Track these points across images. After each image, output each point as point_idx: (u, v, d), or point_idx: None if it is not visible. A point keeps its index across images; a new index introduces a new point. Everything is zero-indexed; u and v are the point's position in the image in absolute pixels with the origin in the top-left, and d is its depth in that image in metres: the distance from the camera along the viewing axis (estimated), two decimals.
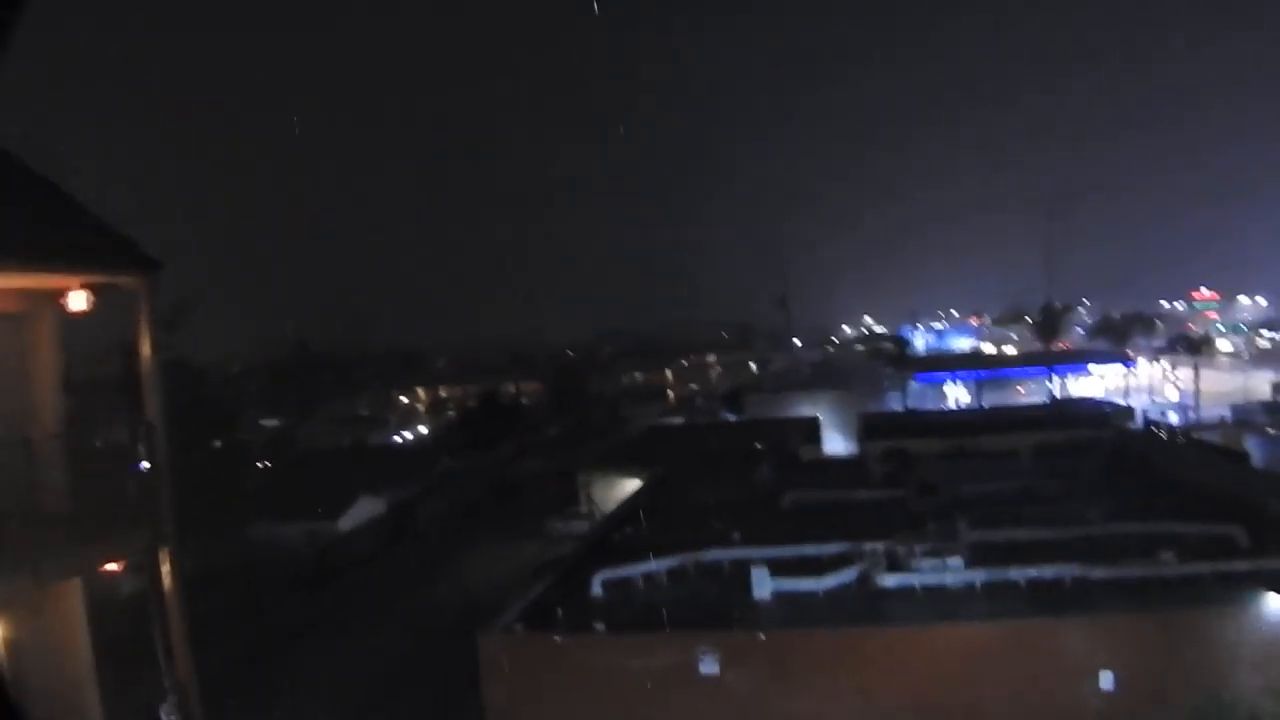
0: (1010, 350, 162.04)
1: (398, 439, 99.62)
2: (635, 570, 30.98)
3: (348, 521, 60.74)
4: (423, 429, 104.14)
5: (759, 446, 59.58)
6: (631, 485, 49.44)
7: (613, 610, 28.11)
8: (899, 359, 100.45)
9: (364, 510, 62.73)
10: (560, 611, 26.98)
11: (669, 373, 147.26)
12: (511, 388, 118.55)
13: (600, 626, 26.11)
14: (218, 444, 62.22)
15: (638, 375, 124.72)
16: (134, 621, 21.92)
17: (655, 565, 31.36)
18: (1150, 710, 23.65)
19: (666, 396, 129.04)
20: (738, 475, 50.35)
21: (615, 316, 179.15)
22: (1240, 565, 28.19)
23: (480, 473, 72.08)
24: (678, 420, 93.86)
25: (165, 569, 20.15)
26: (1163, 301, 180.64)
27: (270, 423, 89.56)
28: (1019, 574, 28.82)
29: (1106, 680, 24.24)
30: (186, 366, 60.60)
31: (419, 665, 40.44)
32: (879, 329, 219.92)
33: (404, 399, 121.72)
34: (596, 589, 29.85)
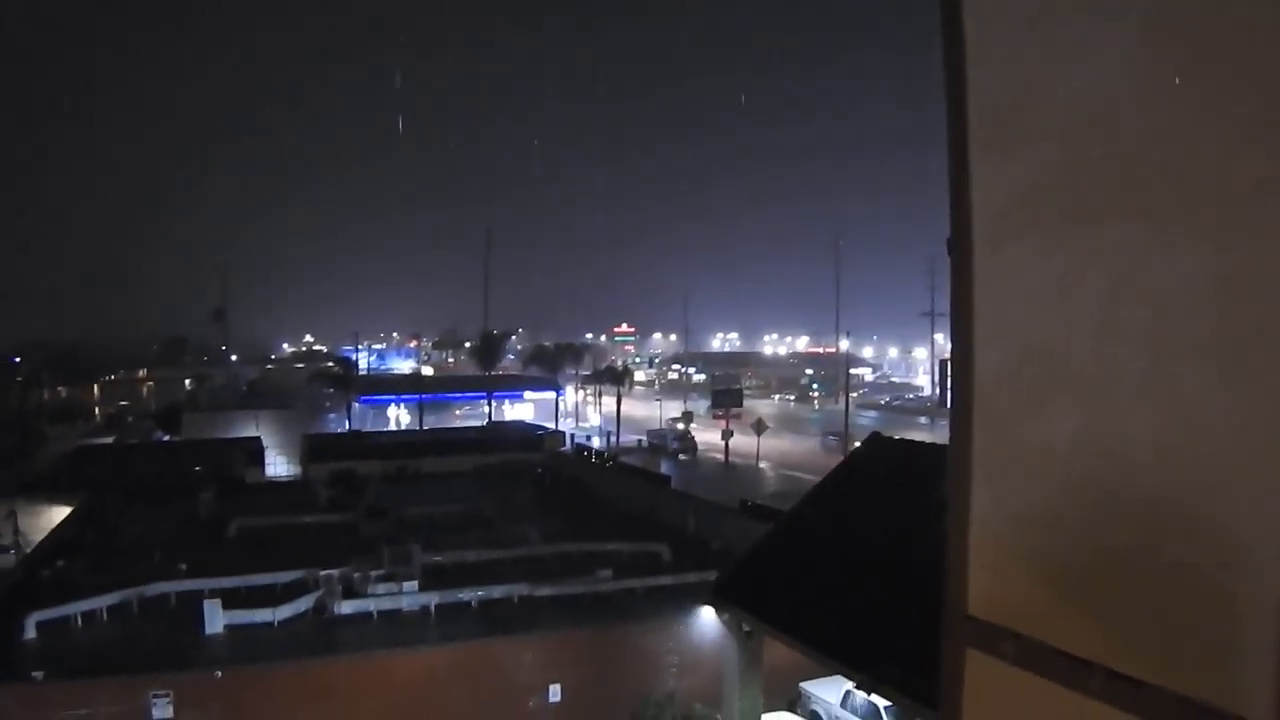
0: (450, 373, 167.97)
1: None
2: (73, 609, 28.77)
3: None
4: None
5: (199, 469, 57.27)
6: (60, 514, 45.39)
7: (50, 655, 25.93)
8: (342, 379, 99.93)
9: None
10: None
11: (96, 389, 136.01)
12: None
13: (38, 674, 24.05)
14: None
15: (61, 391, 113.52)
16: None
17: (95, 603, 29.34)
18: (594, 717, 26.15)
19: (94, 415, 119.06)
20: (178, 500, 48.21)
21: (32, 326, 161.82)
22: (666, 579, 32.03)
23: None
24: (108, 441, 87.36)
25: None
26: (588, 335, 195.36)
27: None
28: (470, 595, 30.57)
29: (554, 693, 26.55)
30: None
31: None
32: (320, 348, 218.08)
33: None
34: (30, 632, 27.35)
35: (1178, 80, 5.93)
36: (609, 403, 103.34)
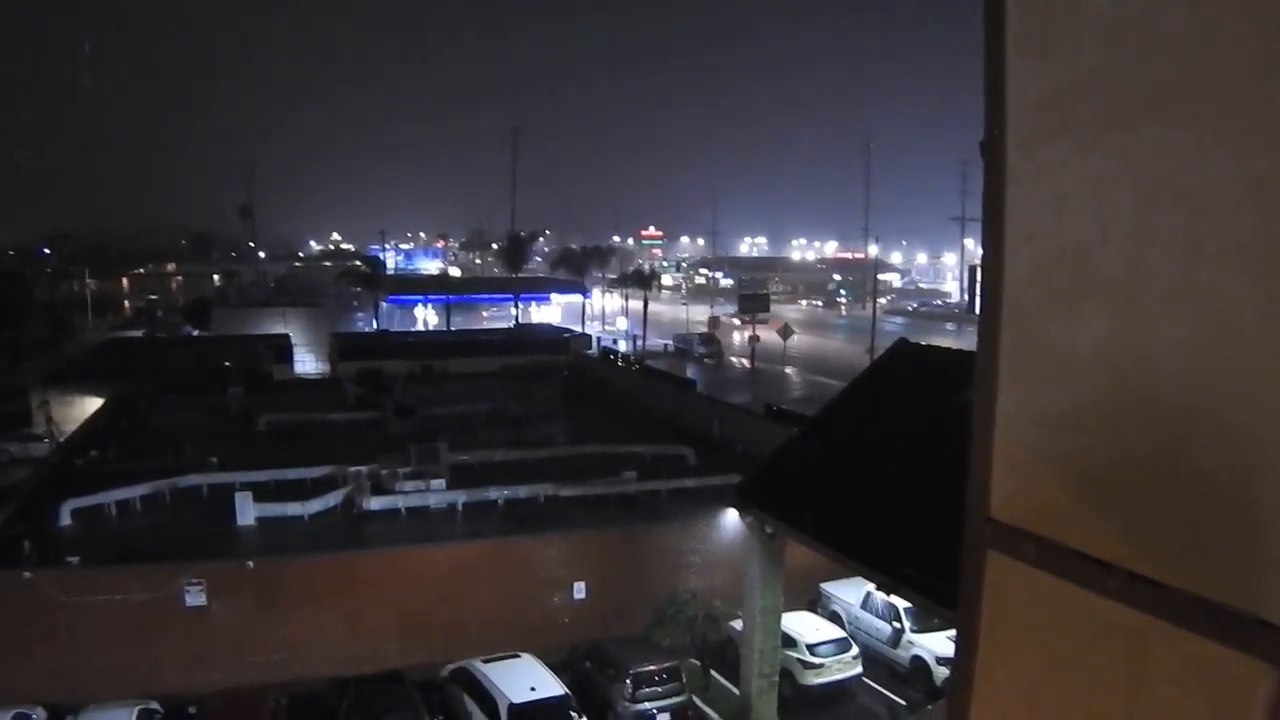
0: (477, 275, 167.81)
1: None
2: (106, 498, 29.38)
3: None
4: None
5: (228, 365, 57.78)
6: (92, 405, 46.03)
7: (85, 542, 26.57)
8: (370, 278, 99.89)
9: None
10: (26, 545, 25.01)
11: (125, 282, 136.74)
12: None
13: (73, 560, 24.64)
14: None
15: (90, 283, 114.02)
16: None
17: (128, 492, 29.93)
18: (617, 613, 26.64)
19: (123, 308, 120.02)
20: (208, 395, 48.82)
21: (60, 217, 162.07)
22: (690, 482, 32.36)
23: None
24: (137, 334, 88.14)
25: None
26: (615, 238, 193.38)
27: None
28: (497, 493, 31.01)
29: (579, 589, 27.02)
30: None
31: None
32: (348, 246, 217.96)
33: None
34: (64, 519, 28.03)
35: None
36: (636, 306, 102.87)
